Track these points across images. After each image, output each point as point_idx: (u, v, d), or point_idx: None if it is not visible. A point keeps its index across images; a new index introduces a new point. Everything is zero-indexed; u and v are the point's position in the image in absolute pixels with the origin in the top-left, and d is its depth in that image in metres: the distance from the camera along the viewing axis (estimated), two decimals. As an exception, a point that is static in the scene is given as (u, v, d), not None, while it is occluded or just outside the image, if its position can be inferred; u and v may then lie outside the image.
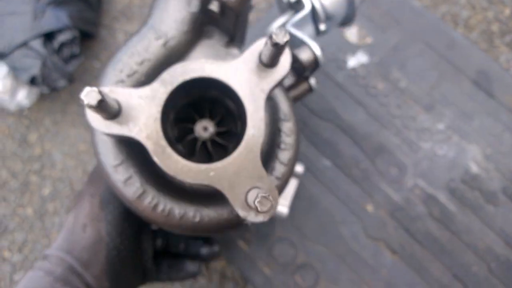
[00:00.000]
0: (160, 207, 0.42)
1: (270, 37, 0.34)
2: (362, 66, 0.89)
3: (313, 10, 0.59)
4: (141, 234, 0.57)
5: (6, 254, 0.96)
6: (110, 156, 0.42)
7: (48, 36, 0.91)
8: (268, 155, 0.47)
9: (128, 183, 0.42)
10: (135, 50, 0.44)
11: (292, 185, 0.71)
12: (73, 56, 0.94)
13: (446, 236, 0.79)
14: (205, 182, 0.36)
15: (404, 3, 0.92)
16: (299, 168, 0.71)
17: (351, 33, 0.91)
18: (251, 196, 0.35)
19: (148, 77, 0.44)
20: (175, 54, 0.46)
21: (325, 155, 0.84)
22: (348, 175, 0.83)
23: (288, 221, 0.81)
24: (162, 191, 0.43)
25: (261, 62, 0.38)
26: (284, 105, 0.49)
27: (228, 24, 0.46)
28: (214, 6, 0.43)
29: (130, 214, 0.53)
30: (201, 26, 0.47)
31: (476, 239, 0.78)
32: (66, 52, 0.92)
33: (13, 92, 0.94)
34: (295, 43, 0.55)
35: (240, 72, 0.38)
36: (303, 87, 0.57)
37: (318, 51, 0.53)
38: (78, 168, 1.00)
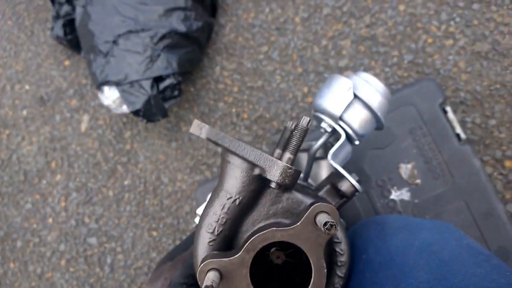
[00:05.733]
0: None
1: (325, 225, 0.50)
2: (402, 202, 1.00)
3: (347, 135, 0.69)
4: None
5: (86, 219, 1.28)
6: None
7: (156, 78, 1.08)
8: (328, 271, 0.64)
9: None
10: (219, 213, 0.61)
11: None
12: (172, 97, 1.11)
13: None
14: None
15: (465, 158, 0.97)
16: None
17: (406, 169, 1.00)
18: None
19: (231, 230, 0.62)
20: (247, 207, 0.62)
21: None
22: None
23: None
24: None
25: (316, 224, 0.54)
26: (337, 232, 0.64)
27: None
28: (273, 185, 0.58)
29: None
30: (263, 182, 0.61)
31: None
32: (168, 93, 1.10)
33: (120, 106, 1.16)
34: (337, 173, 0.68)
35: (302, 234, 0.54)
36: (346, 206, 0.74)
37: (356, 184, 0.65)
38: (153, 173, 1.25)
